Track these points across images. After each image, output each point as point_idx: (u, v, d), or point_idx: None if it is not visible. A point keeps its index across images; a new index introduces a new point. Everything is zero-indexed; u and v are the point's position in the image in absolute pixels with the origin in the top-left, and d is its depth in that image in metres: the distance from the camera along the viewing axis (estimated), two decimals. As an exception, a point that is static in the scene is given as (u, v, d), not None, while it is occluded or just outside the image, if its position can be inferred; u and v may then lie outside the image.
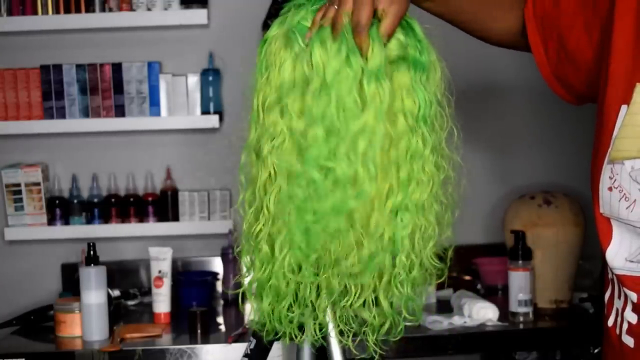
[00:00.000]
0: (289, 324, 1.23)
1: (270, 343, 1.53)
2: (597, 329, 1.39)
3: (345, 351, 1.33)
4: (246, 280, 1.26)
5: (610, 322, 1.29)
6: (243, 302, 1.24)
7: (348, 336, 1.24)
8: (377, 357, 1.24)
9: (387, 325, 1.22)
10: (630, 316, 1.24)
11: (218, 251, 2.79)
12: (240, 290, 1.24)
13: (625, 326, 1.25)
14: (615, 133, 1.21)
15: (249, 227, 1.22)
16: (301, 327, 1.25)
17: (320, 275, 1.19)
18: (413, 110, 1.19)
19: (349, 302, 1.20)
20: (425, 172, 1.19)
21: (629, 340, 1.24)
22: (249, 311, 1.27)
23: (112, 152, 2.94)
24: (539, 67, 1.39)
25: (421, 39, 1.20)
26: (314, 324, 1.24)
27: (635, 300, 1.22)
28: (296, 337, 1.25)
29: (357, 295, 1.20)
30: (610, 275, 1.28)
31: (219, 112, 2.85)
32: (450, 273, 3.04)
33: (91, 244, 2.33)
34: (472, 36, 1.45)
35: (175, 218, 2.87)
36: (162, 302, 2.47)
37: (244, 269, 1.27)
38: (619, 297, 1.26)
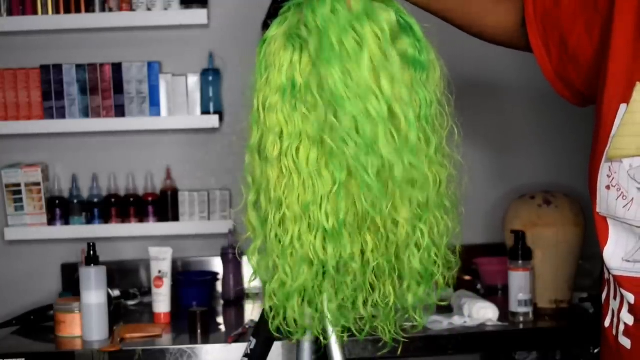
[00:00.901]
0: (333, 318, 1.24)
1: (271, 342, 1.53)
2: (597, 329, 1.39)
3: (345, 351, 1.34)
4: (256, 282, 1.27)
5: (606, 323, 1.28)
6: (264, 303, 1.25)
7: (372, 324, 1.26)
8: (400, 347, 1.26)
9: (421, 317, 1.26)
10: (627, 317, 1.23)
11: (218, 251, 2.79)
12: (267, 297, 1.25)
13: (622, 327, 1.24)
14: (613, 131, 1.21)
15: (270, 231, 1.22)
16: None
17: (352, 274, 1.20)
18: (415, 109, 1.19)
19: (387, 299, 1.22)
20: (430, 171, 1.20)
21: (625, 342, 1.24)
22: (255, 312, 1.27)
23: (112, 152, 2.94)
24: (541, 68, 1.38)
25: (420, 39, 1.21)
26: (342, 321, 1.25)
27: (632, 301, 1.22)
28: (324, 333, 1.27)
29: (382, 292, 1.22)
30: (607, 276, 1.28)
31: (219, 112, 2.85)
32: (450, 273, 2.99)
33: (91, 244, 2.33)
34: (467, 33, 1.45)
35: (175, 218, 2.87)
36: (162, 302, 2.47)
37: (251, 274, 1.27)
38: (615, 298, 1.26)
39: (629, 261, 1.22)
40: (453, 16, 1.41)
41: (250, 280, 1.27)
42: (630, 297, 1.22)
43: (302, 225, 1.19)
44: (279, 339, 1.38)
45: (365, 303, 1.23)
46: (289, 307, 1.22)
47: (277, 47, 1.21)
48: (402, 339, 1.27)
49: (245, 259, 1.27)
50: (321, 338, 1.28)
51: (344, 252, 1.18)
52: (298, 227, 1.19)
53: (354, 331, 1.26)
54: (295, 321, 1.23)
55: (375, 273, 1.22)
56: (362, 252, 1.20)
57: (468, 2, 1.41)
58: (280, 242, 1.20)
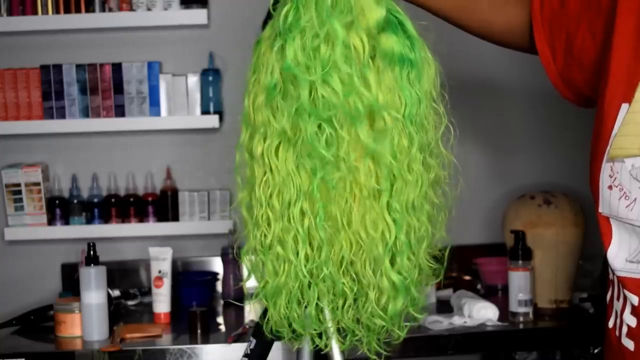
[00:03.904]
0: (310, 324, 1.21)
1: (271, 342, 1.52)
2: (597, 329, 1.39)
3: (344, 352, 1.33)
4: (248, 284, 1.26)
5: (610, 324, 1.28)
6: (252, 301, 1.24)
7: (353, 338, 1.23)
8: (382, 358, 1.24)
9: (398, 326, 1.22)
10: (630, 319, 1.23)
11: (218, 251, 2.79)
12: (255, 297, 1.23)
13: (624, 329, 1.24)
14: (614, 131, 1.21)
15: (256, 229, 1.21)
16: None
17: (329, 277, 1.18)
18: (398, 107, 1.17)
19: (361, 305, 1.20)
20: (412, 172, 1.17)
21: (628, 343, 1.23)
22: (254, 312, 1.26)
23: (112, 152, 2.94)
24: (545, 69, 1.38)
25: (411, 35, 1.18)
26: (321, 326, 1.23)
27: (635, 303, 1.21)
28: (314, 338, 1.25)
29: (364, 298, 1.19)
30: (611, 276, 1.28)
31: (219, 112, 2.85)
32: (450, 273, 3.04)
33: (91, 244, 2.33)
34: (474, 34, 1.44)
35: (175, 218, 2.87)
36: (162, 302, 2.47)
37: (246, 273, 1.26)
38: (618, 299, 1.26)
39: (632, 262, 1.21)
40: (461, 16, 1.40)
41: (244, 280, 1.26)
42: (634, 299, 1.21)
43: (283, 224, 1.18)
44: (277, 340, 1.37)
45: (346, 311, 1.20)
46: (274, 308, 1.21)
47: (266, 47, 1.21)
48: (385, 353, 1.23)
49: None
50: (317, 341, 1.26)
51: (317, 255, 1.17)
52: (279, 226, 1.18)
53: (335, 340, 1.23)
54: (288, 323, 1.22)
55: (357, 281, 1.19)
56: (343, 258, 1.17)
57: (478, 2, 1.39)
58: (263, 241, 1.20)
